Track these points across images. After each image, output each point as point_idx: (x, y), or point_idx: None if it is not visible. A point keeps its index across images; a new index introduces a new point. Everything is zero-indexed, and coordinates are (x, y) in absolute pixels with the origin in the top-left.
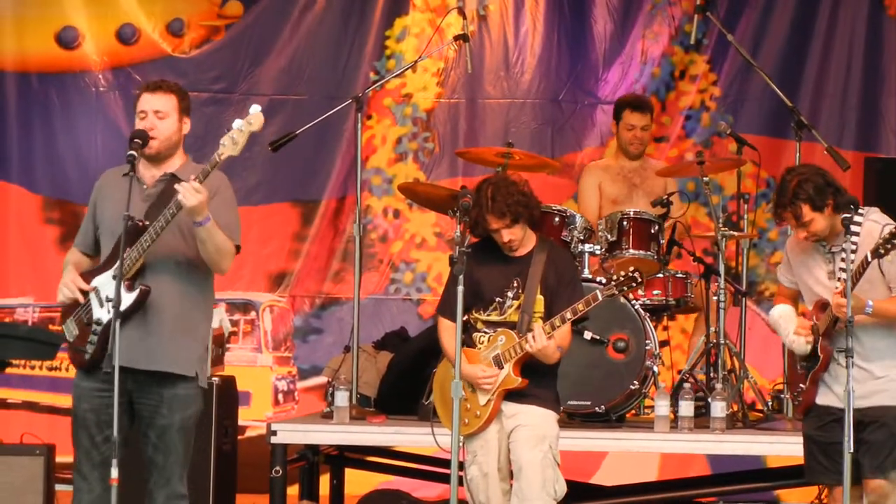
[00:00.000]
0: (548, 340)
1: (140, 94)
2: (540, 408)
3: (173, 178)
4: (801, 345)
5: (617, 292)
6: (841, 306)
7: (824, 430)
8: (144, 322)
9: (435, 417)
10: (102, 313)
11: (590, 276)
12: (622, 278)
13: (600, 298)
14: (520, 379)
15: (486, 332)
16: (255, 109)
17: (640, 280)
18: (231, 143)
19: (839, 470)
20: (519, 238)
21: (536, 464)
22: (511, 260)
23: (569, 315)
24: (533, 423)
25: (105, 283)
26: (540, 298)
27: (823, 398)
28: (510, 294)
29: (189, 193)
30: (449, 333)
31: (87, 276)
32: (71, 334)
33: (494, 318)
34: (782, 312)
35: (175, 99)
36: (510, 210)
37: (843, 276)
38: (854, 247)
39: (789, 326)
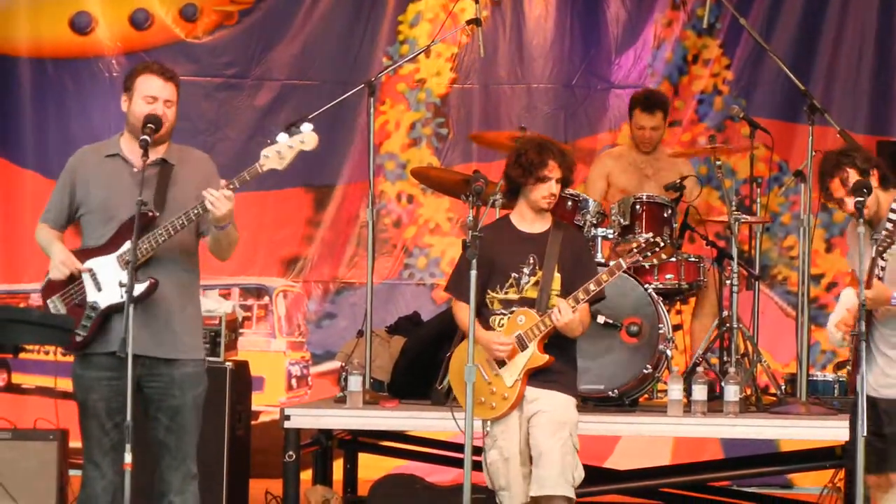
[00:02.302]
0: (573, 314)
1: (146, 74)
2: (561, 393)
3: (164, 164)
4: (836, 337)
5: (641, 258)
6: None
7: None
8: (149, 309)
9: (455, 402)
10: (99, 297)
11: (602, 260)
12: (643, 245)
13: (624, 266)
14: (546, 356)
15: (503, 314)
16: (308, 128)
17: (661, 245)
18: (277, 158)
19: (870, 457)
20: (556, 199)
21: (556, 450)
22: (526, 238)
23: (592, 286)
24: (553, 408)
25: (102, 266)
26: (557, 276)
27: (859, 385)
28: (526, 270)
29: (220, 203)
30: (465, 314)
31: (80, 255)
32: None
33: (512, 295)
34: (841, 298)
35: (177, 90)
36: (565, 164)
37: (882, 263)
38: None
39: (834, 316)
